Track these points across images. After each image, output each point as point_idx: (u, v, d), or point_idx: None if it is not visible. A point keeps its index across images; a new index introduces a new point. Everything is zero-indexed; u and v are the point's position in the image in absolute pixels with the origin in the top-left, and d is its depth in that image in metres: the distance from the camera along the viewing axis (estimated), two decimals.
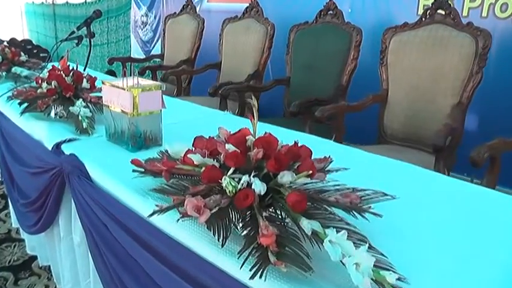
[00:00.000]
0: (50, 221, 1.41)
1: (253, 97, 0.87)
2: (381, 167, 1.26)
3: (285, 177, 0.76)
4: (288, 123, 1.65)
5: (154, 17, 5.10)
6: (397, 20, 2.44)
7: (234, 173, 0.78)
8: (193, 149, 0.91)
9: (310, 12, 3.24)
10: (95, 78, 1.72)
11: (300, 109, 2.09)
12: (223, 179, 0.76)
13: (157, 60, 3.82)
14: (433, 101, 2.05)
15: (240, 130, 0.87)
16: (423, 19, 2.15)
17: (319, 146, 0.97)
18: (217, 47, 3.12)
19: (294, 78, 2.64)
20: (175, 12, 3.58)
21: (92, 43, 6.44)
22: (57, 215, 1.38)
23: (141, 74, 2.99)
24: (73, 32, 2.14)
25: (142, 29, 5.28)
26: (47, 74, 1.65)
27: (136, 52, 5.43)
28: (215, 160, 0.86)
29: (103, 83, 1.35)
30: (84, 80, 1.65)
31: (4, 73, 2.38)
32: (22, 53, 2.58)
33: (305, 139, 0.93)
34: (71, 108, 1.50)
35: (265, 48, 2.77)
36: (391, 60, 2.22)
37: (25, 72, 2.40)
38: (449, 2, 2.11)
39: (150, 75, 3.32)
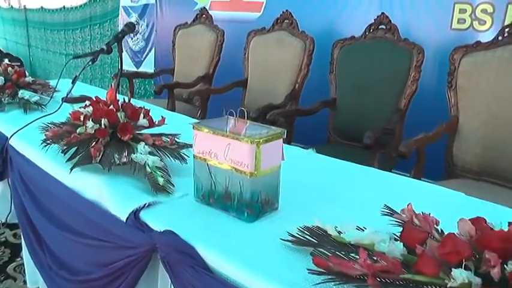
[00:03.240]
0: None
1: None
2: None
3: None
4: (339, 152, 1.54)
5: (147, 26, 4.70)
6: (424, 34, 2.23)
7: None
8: None
9: (350, 25, 3.00)
10: (146, 111, 1.36)
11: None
12: None
13: (148, 72, 3.42)
14: None
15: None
16: (500, 38, 1.93)
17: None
18: (241, 62, 2.80)
19: (341, 100, 2.36)
20: (186, 22, 3.22)
21: (72, 52, 5.93)
22: None
23: (158, 93, 2.62)
24: (102, 50, 1.76)
25: (132, 38, 4.85)
26: (90, 107, 1.28)
27: (125, 63, 4.99)
28: None
29: (196, 128, 1.01)
30: (141, 115, 1.29)
31: (10, 99, 1.95)
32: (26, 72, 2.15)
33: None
34: (134, 156, 1.15)
35: (303, 65, 2.48)
36: (463, 84, 1.99)
37: (34, 97, 1.99)
38: None
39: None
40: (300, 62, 2.49)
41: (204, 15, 3.08)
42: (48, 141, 1.26)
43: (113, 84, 1.35)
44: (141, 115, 1.27)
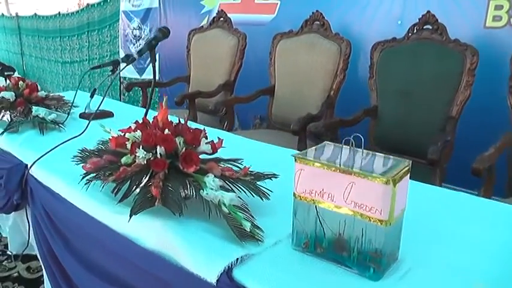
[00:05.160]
0: None
1: None
2: None
3: None
4: None
5: (150, 31, 4.46)
6: (454, 33, 2.07)
7: None
8: None
9: (385, 26, 2.82)
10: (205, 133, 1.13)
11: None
12: None
13: (148, 80, 3.18)
14: None
15: None
16: None
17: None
18: (267, 68, 2.58)
19: (384, 107, 2.17)
20: (202, 26, 3.00)
21: (69, 60, 5.67)
22: None
23: (179, 104, 2.39)
24: (133, 59, 1.53)
25: (134, 44, 4.61)
26: (138, 132, 1.06)
27: (128, 70, 4.73)
28: None
29: (301, 160, 0.79)
30: (203, 140, 1.07)
31: (22, 118, 1.71)
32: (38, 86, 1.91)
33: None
34: (204, 194, 0.92)
35: (339, 71, 2.28)
36: None
37: (51, 114, 1.75)
38: None
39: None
40: (335, 66, 2.29)
41: (221, 18, 2.86)
42: (90, 177, 1.02)
43: (163, 103, 1.11)
44: (203, 140, 1.05)
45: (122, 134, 1.12)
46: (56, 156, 1.36)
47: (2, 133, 1.66)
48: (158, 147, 0.98)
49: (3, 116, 1.76)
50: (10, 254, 1.92)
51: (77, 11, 5.17)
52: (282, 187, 0.96)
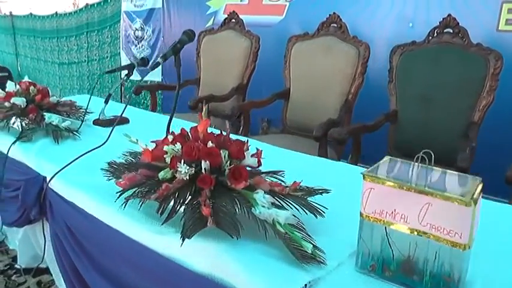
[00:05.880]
0: None
1: None
2: None
3: None
4: None
5: (152, 32, 4.38)
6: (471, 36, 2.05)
7: None
8: None
9: (396, 28, 2.79)
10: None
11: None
12: None
13: (156, 82, 3.11)
14: None
15: None
16: None
17: None
18: (275, 71, 2.53)
19: (404, 112, 2.12)
20: (213, 28, 2.93)
21: (67, 61, 5.56)
22: None
23: (194, 108, 2.32)
24: (157, 64, 1.46)
25: (136, 45, 4.52)
26: (179, 145, 0.99)
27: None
28: None
29: (371, 179, 0.74)
30: (248, 153, 1.01)
31: (35, 125, 1.63)
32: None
33: None
34: (257, 213, 0.86)
35: (358, 74, 2.23)
36: None
37: (65, 121, 1.67)
38: None
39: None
40: (354, 70, 2.24)
41: (233, 20, 2.80)
42: (128, 195, 0.95)
43: (203, 113, 1.05)
44: (248, 152, 0.99)
45: (156, 145, 1.06)
46: (75, 167, 1.30)
47: (15, 142, 1.59)
48: (203, 161, 0.92)
49: (13, 123, 1.68)
50: (19, 267, 1.84)
51: (75, 11, 5.07)
52: (330, 201, 0.91)
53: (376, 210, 0.74)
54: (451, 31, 2.05)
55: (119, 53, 4.70)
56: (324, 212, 0.91)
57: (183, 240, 0.78)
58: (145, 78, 4.48)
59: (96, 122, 1.84)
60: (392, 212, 0.72)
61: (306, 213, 0.90)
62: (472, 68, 1.97)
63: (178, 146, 0.98)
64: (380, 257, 0.76)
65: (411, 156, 2.00)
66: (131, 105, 1.96)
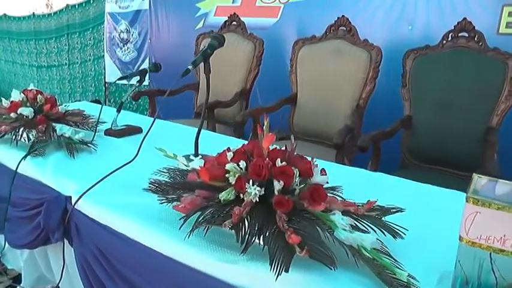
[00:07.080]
0: None
1: None
2: None
3: None
4: (424, 177, 1.33)
5: (139, 34, 4.23)
6: None
7: None
8: None
9: (395, 31, 2.76)
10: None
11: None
12: None
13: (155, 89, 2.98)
14: None
15: None
16: None
17: None
18: (288, 76, 2.47)
19: (419, 118, 2.10)
20: (212, 31, 2.84)
21: (46, 64, 5.33)
22: None
23: (198, 114, 2.23)
24: (188, 71, 1.35)
25: (121, 48, 4.36)
26: (243, 163, 0.91)
27: (113, 75, 4.48)
28: None
29: (475, 201, 0.69)
30: (317, 171, 0.94)
31: (45, 138, 1.51)
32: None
33: None
34: (342, 237, 0.80)
35: (369, 79, 2.20)
36: None
37: (79, 133, 1.56)
38: None
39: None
40: (365, 75, 2.21)
41: (234, 22, 2.72)
42: (197, 222, 0.85)
43: (264, 127, 0.98)
44: (317, 170, 0.92)
45: (211, 163, 0.98)
46: (99, 185, 1.20)
47: (25, 157, 1.46)
48: (275, 181, 0.85)
49: (21, 136, 1.55)
50: None
51: (55, 12, 4.84)
52: (399, 220, 0.86)
53: (481, 235, 0.69)
54: (466, 35, 2.05)
55: (103, 55, 4.52)
56: (404, 234, 0.85)
57: (279, 274, 0.70)
58: (131, 83, 4.33)
59: (108, 133, 1.73)
60: (501, 238, 0.68)
61: (385, 235, 0.85)
62: (490, 72, 1.97)
63: (242, 164, 0.90)
64: (478, 284, 0.72)
65: (427, 161, 1.97)
66: (124, 110, 1.85)
